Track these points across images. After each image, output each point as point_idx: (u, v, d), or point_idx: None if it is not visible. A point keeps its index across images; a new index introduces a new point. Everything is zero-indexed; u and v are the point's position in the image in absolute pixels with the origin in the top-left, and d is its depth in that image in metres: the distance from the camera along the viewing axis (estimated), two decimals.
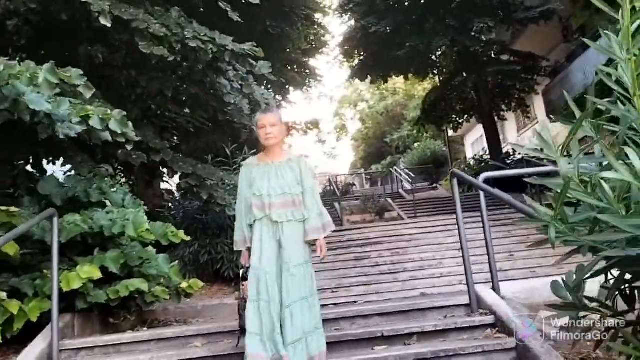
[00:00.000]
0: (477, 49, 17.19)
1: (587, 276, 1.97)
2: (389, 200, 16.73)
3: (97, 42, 4.98)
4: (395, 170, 23.61)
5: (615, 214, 1.59)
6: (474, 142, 28.00)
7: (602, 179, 1.57)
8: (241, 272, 3.46)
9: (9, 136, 4.45)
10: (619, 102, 1.93)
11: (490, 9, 15.73)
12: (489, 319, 3.73)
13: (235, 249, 3.54)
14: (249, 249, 3.38)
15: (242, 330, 3.28)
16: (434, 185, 22.97)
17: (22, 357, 3.60)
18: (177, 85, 5.94)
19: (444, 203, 15.49)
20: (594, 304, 2.08)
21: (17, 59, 3.52)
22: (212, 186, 6.23)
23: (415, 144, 31.19)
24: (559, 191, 1.77)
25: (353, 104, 38.57)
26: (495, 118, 18.62)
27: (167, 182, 8.28)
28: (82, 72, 3.58)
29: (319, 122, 22.22)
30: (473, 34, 16.06)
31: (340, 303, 6.61)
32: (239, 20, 5.96)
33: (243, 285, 3.38)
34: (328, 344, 3.60)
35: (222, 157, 7.49)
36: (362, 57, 20.14)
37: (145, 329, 4.88)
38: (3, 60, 2.91)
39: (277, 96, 18.60)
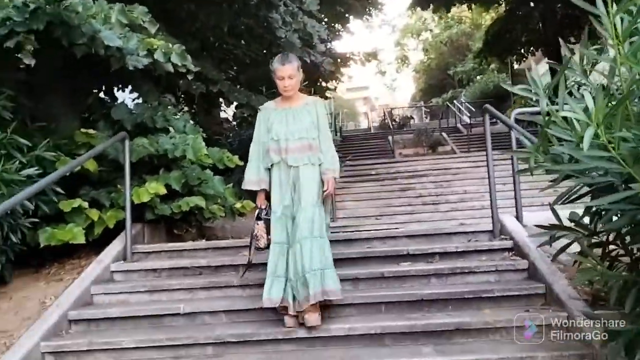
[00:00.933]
0: None
1: (563, 200, 2.29)
2: (444, 134, 16.74)
3: None
4: (454, 104, 23.24)
5: (576, 147, 1.89)
6: (541, 76, 26.85)
7: (564, 117, 1.86)
8: (256, 212, 3.54)
9: (85, 68, 5.02)
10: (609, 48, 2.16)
11: None
12: (508, 244, 4.08)
13: (243, 187, 3.61)
14: (264, 191, 3.50)
15: (249, 265, 3.58)
16: (494, 119, 22.51)
17: (102, 256, 4.31)
18: (233, 19, 6.30)
19: (499, 138, 15.34)
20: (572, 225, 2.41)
21: None
22: None
23: (478, 77, 30.24)
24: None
25: (416, 33, 37.39)
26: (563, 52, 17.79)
27: (224, 111, 8.83)
28: (147, 10, 4.03)
29: (377, 52, 21.92)
30: None
31: (382, 229, 7.11)
32: None
33: (257, 224, 3.48)
34: (360, 259, 4.11)
35: (274, 87, 7.88)
36: None
37: (204, 240, 5.56)
38: (81, 1, 3.39)
39: (336, 25, 18.53)
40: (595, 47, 2.15)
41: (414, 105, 35.47)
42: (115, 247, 4.48)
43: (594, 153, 1.80)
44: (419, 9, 21.88)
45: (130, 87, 6.06)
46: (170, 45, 4.14)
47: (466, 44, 32.81)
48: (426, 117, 33.92)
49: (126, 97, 6.45)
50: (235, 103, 6.60)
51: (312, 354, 3.15)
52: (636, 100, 1.95)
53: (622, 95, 1.80)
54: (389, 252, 4.18)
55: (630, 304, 2.03)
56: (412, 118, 28.50)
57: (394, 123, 21.70)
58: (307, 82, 8.52)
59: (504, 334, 3.11)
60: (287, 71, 3.44)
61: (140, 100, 5.91)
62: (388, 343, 3.18)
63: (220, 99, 7.17)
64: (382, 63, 37.02)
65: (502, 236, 4.27)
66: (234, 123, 8.03)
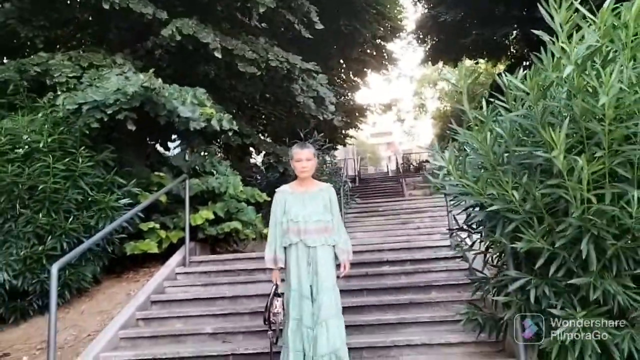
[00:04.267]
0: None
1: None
2: None
3: (210, 62, 7.29)
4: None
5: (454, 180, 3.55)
6: None
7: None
8: (272, 289, 3.66)
9: (154, 128, 6.88)
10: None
11: None
12: (460, 254, 5.67)
13: (266, 266, 3.83)
14: (280, 269, 3.68)
15: (277, 341, 3.63)
16: None
17: (169, 262, 6.04)
18: (263, 88, 8.20)
19: None
20: None
21: (168, 82, 5.89)
22: (287, 162, 8.51)
23: None
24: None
25: (432, 83, 39.45)
26: None
27: (254, 158, 10.70)
28: (204, 90, 5.88)
29: (392, 103, 23.88)
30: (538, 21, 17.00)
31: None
32: (310, 37, 8.08)
33: (278, 300, 3.61)
34: (353, 264, 5.71)
35: (297, 139, 9.76)
36: (434, 42, 21.47)
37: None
38: (167, 89, 5.24)
39: (356, 78, 20.51)
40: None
41: (428, 150, 36.92)
42: (177, 256, 6.21)
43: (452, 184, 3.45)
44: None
45: (181, 139, 7.95)
46: (222, 114, 5.97)
47: (481, 92, 34.58)
48: None
49: (173, 146, 8.35)
50: (263, 152, 8.40)
51: None
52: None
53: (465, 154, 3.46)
54: (374, 259, 5.80)
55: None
56: (428, 162, 30.03)
57: (411, 166, 23.29)
58: (323, 133, 10.39)
59: (442, 306, 4.69)
60: (305, 154, 3.71)
61: (179, 149, 7.77)
62: (365, 312, 4.78)
63: (251, 149, 9.02)
64: (400, 111, 38.97)
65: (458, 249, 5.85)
66: (262, 168, 9.88)
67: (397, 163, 24.25)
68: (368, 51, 18.68)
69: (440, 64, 23.71)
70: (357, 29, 14.50)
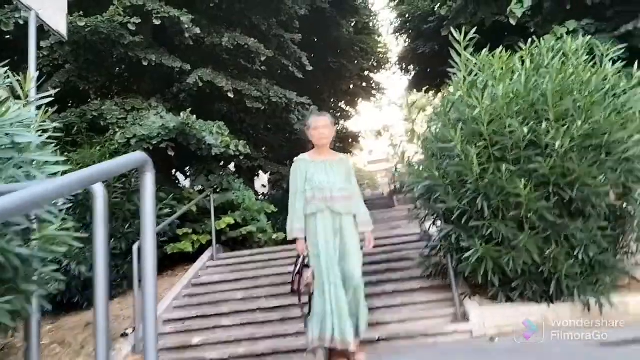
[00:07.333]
0: None
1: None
2: None
3: (223, 101, 9.08)
4: None
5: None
6: None
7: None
8: (300, 260, 3.61)
9: (177, 155, 8.62)
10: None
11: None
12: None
13: (289, 238, 3.80)
14: (305, 239, 3.63)
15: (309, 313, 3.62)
16: None
17: (202, 257, 7.69)
18: (266, 119, 10.00)
19: None
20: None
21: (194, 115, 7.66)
22: (288, 179, 10.29)
23: None
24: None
25: (421, 109, 41.52)
26: None
27: (261, 179, 12.47)
28: (223, 123, 7.64)
29: (383, 130, 25.77)
30: None
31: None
32: (301, 77, 9.92)
33: (307, 271, 3.56)
34: None
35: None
36: (416, 71, 23.43)
37: None
38: (197, 123, 7.02)
39: (348, 107, 22.38)
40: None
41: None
42: (206, 255, 7.87)
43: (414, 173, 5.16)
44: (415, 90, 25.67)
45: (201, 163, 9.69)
46: (237, 141, 7.73)
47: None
48: None
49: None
50: (269, 172, 10.17)
51: None
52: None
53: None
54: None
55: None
56: None
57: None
58: None
59: (420, 293, 6.26)
60: (323, 122, 3.77)
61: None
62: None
63: (259, 169, 10.80)
64: (393, 137, 40.86)
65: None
66: (268, 186, 11.62)
67: (389, 182, 25.99)
68: (357, 83, 20.59)
69: (424, 90, 25.71)
70: (344, 65, 16.41)
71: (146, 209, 1.66)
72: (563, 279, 4.39)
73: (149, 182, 1.67)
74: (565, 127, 4.23)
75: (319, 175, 3.64)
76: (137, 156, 1.73)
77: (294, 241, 3.85)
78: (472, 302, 4.89)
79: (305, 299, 3.61)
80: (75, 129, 7.63)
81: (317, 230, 3.56)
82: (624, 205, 4.48)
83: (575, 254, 4.34)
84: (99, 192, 1.72)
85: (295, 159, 3.89)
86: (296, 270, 3.60)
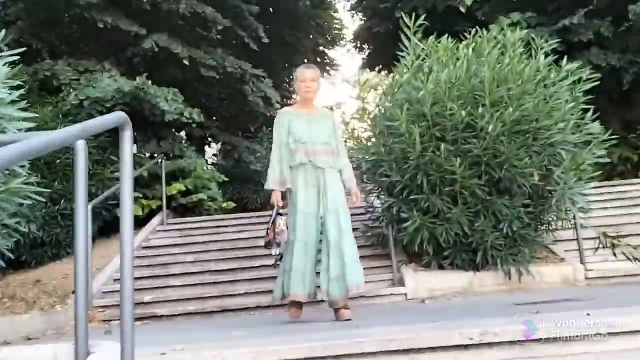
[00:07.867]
0: None
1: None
2: None
3: (178, 68, 9.08)
4: None
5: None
6: None
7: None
8: (275, 209, 3.58)
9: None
10: None
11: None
12: None
13: (266, 188, 3.69)
14: (288, 190, 3.58)
15: (280, 258, 3.59)
16: None
17: (152, 221, 7.82)
18: (220, 89, 10.08)
19: None
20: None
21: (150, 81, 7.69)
22: (240, 150, 10.42)
23: None
24: None
25: (374, 87, 42.04)
26: None
27: (212, 148, 12.57)
28: (178, 90, 7.69)
29: (334, 106, 26.08)
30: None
31: None
32: (256, 50, 10.03)
33: (281, 219, 3.55)
34: None
35: (247, 132, 11.71)
36: (370, 50, 23.78)
37: None
38: (152, 88, 7.05)
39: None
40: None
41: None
42: (156, 219, 8.00)
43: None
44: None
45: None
46: (192, 108, 7.83)
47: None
48: None
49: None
50: (220, 142, 10.27)
51: None
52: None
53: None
54: None
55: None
56: None
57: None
58: (270, 129, 12.30)
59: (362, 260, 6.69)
60: (310, 74, 3.70)
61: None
62: None
63: (210, 139, 10.89)
64: (345, 114, 41.28)
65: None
66: (219, 155, 11.73)
67: None
68: (311, 58, 20.71)
69: (377, 69, 26.15)
70: (299, 39, 16.48)
71: (125, 163, 1.87)
72: (489, 250, 4.89)
73: (127, 139, 1.88)
74: (499, 112, 4.67)
75: (300, 129, 3.60)
76: (117, 115, 1.93)
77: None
78: (408, 269, 5.34)
79: (277, 250, 3.60)
80: (27, 87, 7.48)
81: (298, 184, 3.55)
82: (546, 185, 4.99)
83: (500, 227, 4.84)
84: (81, 148, 1.92)
85: (279, 111, 3.93)
86: (271, 221, 3.61)
